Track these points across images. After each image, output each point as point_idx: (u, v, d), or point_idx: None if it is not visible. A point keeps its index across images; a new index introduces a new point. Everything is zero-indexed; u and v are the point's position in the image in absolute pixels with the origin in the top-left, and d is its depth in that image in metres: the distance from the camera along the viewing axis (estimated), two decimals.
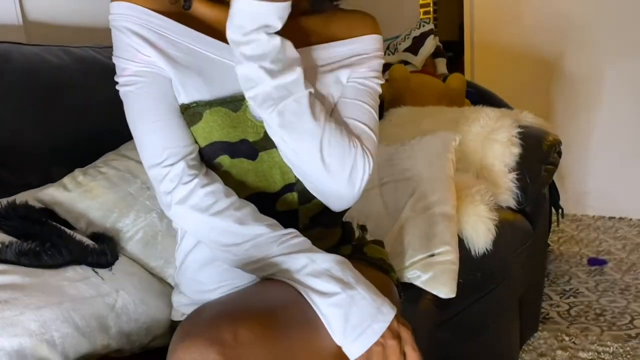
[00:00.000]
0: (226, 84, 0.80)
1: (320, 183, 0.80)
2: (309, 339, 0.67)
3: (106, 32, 1.66)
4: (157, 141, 0.78)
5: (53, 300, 0.77)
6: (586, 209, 3.56)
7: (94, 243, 0.96)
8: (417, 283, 1.08)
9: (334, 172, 0.78)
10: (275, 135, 0.78)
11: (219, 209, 0.76)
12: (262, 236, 0.75)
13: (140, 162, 1.14)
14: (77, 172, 1.11)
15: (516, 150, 1.60)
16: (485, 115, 1.70)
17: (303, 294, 0.70)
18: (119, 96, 1.37)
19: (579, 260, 2.74)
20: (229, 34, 0.76)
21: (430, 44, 2.51)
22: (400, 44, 2.58)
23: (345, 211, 0.92)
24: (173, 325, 0.95)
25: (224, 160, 0.81)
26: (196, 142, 0.81)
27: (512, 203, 1.56)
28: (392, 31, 2.73)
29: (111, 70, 1.39)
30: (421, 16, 5.32)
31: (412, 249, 1.09)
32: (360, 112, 0.84)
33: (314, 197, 0.85)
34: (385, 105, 2.34)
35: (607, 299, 2.24)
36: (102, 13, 1.64)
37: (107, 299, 0.86)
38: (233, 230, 0.75)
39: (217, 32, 0.82)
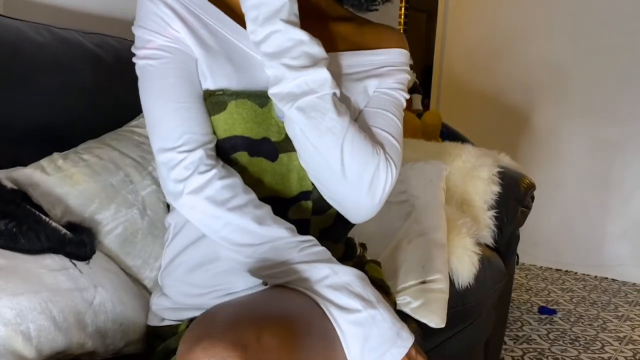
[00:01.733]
0: (256, 78, 0.75)
1: (337, 189, 0.75)
2: (327, 354, 0.62)
3: (90, 17, 1.60)
4: (176, 124, 0.71)
5: (31, 287, 0.68)
6: (535, 260, 3.66)
7: (70, 233, 0.88)
8: (406, 310, 1.04)
9: (353, 178, 0.73)
10: (293, 131, 0.74)
11: (237, 204, 0.70)
12: (282, 239, 0.70)
13: (124, 154, 1.08)
14: (57, 156, 1.02)
15: (496, 189, 1.61)
16: (467, 152, 1.71)
17: (322, 306, 0.65)
18: (100, 83, 1.30)
19: (529, 307, 2.79)
20: (250, 37, 0.73)
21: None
22: None
23: (351, 226, 0.88)
24: (149, 331, 0.86)
25: (241, 156, 0.76)
26: (214, 132, 0.75)
27: (490, 240, 1.56)
28: None
29: (95, 56, 1.34)
30: None
31: (405, 274, 1.06)
32: (385, 121, 0.80)
33: (328, 209, 0.80)
34: None
35: (559, 348, 2.27)
36: None
37: (85, 294, 0.77)
38: (251, 229, 0.69)
39: None
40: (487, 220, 1.55)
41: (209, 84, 0.74)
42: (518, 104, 3.69)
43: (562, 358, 2.17)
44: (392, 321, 0.66)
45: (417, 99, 2.62)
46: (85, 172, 0.99)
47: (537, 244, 3.65)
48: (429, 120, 2.31)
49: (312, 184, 0.78)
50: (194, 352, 0.52)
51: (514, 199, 1.65)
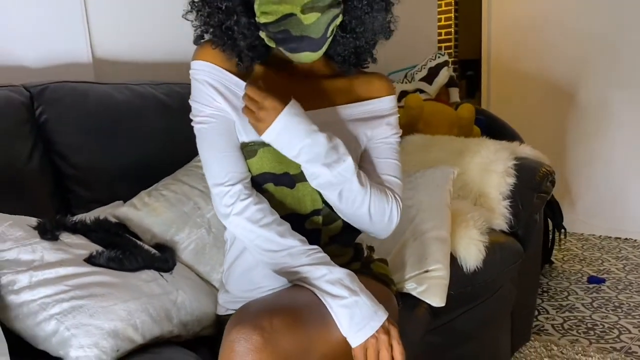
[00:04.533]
0: None
1: (365, 226, 1.09)
2: (323, 330, 0.91)
3: (161, 66, 1.97)
4: (223, 166, 1.03)
5: (134, 295, 1.03)
6: (593, 229, 3.74)
7: (157, 252, 1.23)
8: (414, 293, 1.32)
9: (376, 220, 1.07)
10: (333, 203, 1.06)
11: (266, 222, 1.01)
12: (295, 248, 1.00)
13: (192, 187, 1.43)
14: (143, 194, 1.37)
15: (511, 180, 1.82)
16: (486, 148, 1.93)
17: (320, 297, 0.95)
18: (170, 127, 1.65)
19: (579, 277, 2.93)
20: (287, 155, 1.02)
21: (444, 74, 2.73)
22: (416, 73, 2.81)
23: (357, 234, 1.18)
24: (219, 319, 1.20)
25: (269, 186, 1.06)
26: (249, 171, 1.05)
27: (505, 227, 1.79)
28: (410, 60, 2.97)
29: (164, 105, 1.70)
30: (443, 36, 5.56)
31: (410, 266, 1.33)
32: (391, 167, 1.12)
33: (335, 221, 1.10)
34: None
35: (600, 315, 2.43)
36: (159, 51, 1.94)
37: (171, 296, 1.12)
38: (275, 240, 1.00)
39: None
40: (502, 209, 1.78)
41: (244, 138, 1.04)
42: (565, 77, 3.76)
43: (600, 324, 2.34)
44: (371, 304, 0.95)
45: (454, 91, 2.82)
46: (165, 205, 1.35)
47: (595, 214, 3.74)
48: (462, 114, 2.52)
49: (322, 203, 1.08)
50: (232, 332, 0.84)
51: (529, 187, 1.86)
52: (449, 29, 5.59)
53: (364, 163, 1.13)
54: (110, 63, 1.87)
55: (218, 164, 1.04)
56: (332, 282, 0.96)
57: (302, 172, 1.06)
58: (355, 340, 0.93)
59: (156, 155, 1.61)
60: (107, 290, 1.01)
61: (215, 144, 1.04)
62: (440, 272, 1.33)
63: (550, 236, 3.03)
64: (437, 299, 1.30)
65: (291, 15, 0.96)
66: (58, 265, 1.01)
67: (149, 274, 1.12)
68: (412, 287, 1.32)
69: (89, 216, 1.24)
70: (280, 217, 1.04)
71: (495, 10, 4.15)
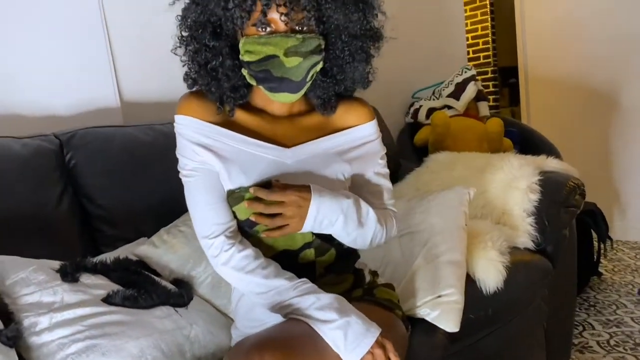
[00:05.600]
0: (261, 173, 1.07)
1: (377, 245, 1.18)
2: (319, 356, 0.93)
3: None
4: (206, 219, 1.07)
5: (146, 332, 1.09)
6: None
7: (174, 287, 1.29)
8: (428, 319, 1.31)
9: (387, 239, 1.16)
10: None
11: (251, 268, 1.04)
12: (282, 286, 1.03)
13: None
14: (162, 231, 1.44)
15: (534, 197, 1.79)
16: (509, 163, 1.90)
17: (312, 325, 0.97)
18: None
19: (630, 289, 2.80)
20: (324, 232, 1.09)
21: (472, 89, 2.71)
22: (444, 89, 2.81)
23: (356, 259, 1.20)
24: None
25: (260, 228, 1.09)
26: (236, 217, 1.09)
27: (530, 244, 1.75)
28: (440, 74, 2.96)
29: None
30: (481, 46, 5.50)
31: (423, 291, 1.33)
32: (387, 192, 1.19)
33: (327, 251, 1.12)
34: (429, 148, 2.58)
35: None
36: (182, 90, 2.02)
37: (184, 331, 1.17)
38: (261, 283, 1.03)
39: (254, 133, 1.11)
40: (526, 227, 1.75)
41: (230, 186, 1.07)
42: (606, 80, 3.64)
43: None
44: (363, 322, 0.97)
45: (484, 106, 2.79)
46: (182, 240, 1.41)
47: None
48: (491, 128, 2.49)
49: (312, 235, 1.10)
50: None
51: (556, 202, 1.81)
52: (487, 39, 5.52)
53: (363, 193, 1.15)
54: (138, 105, 1.97)
55: (201, 217, 1.08)
56: (321, 308, 0.98)
57: None
58: (352, 358, 0.94)
59: (179, 192, 1.66)
60: (120, 329, 1.07)
61: (198, 197, 1.08)
62: (453, 297, 1.32)
63: (597, 248, 2.92)
64: (450, 324, 1.29)
65: (274, 57, 1.00)
66: (76, 306, 1.09)
67: (163, 310, 1.18)
68: (425, 313, 1.32)
69: (109, 256, 1.31)
70: (272, 256, 1.08)
71: (528, 16, 4.08)
